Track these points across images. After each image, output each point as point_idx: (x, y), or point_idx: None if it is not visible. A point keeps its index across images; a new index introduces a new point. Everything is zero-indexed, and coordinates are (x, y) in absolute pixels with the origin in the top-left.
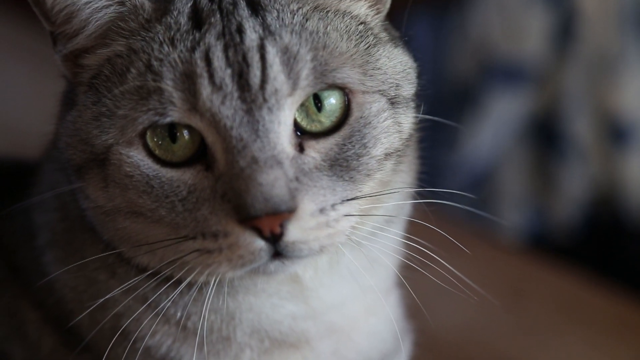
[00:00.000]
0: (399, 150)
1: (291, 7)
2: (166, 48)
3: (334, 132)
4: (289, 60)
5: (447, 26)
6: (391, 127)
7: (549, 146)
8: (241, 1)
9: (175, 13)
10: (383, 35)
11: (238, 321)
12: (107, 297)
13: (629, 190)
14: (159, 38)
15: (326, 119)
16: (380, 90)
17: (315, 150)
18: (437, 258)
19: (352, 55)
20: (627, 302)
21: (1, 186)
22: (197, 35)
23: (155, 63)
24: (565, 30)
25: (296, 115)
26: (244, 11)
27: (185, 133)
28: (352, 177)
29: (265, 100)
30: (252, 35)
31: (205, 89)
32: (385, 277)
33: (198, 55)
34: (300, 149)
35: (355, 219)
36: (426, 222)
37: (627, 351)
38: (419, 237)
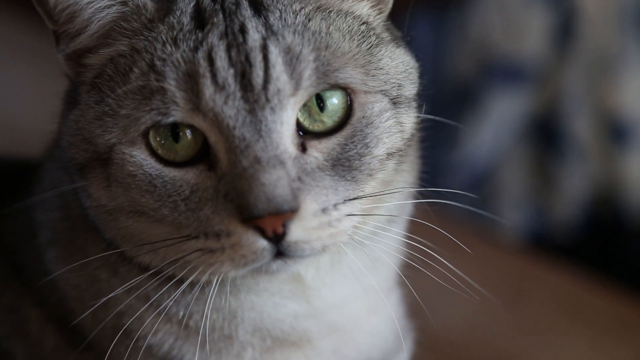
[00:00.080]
0: (401, 150)
1: (294, 7)
2: (169, 48)
3: (336, 132)
4: (292, 60)
5: (447, 26)
6: (393, 127)
7: (549, 145)
8: (244, 1)
9: (178, 13)
10: (385, 35)
11: (240, 320)
12: (109, 296)
13: (629, 190)
14: (161, 38)
15: (328, 119)
16: (382, 91)
17: (318, 150)
18: (439, 257)
19: (354, 55)
20: (627, 301)
21: (3, 185)
22: (200, 35)
23: (158, 63)
24: (566, 29)
25: (299, 115)
26: (246, 11)
27: (188, 133)
28: (354, 177)
29: (267, 100)
30: (254, 36)
31: (208, 89)
32: (386, 276)
33: (201, 55)
34: (303, 148)
35: (357, 218)
36: (428, 222)
37: (627, 351)
38: (420, 236)
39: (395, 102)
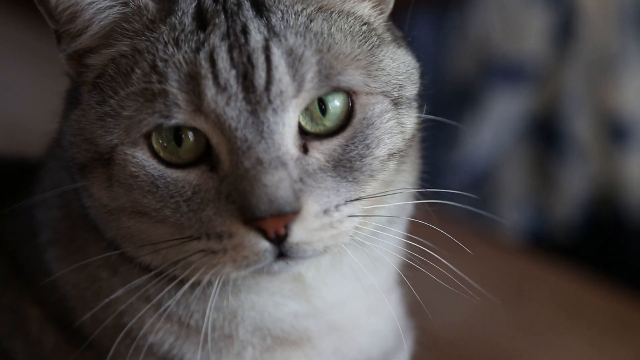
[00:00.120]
0: (402, 151)
1: (295, 8)
2: (171, 49)
3: (338, 133)
4: (294, 62)
5: (447, 26)
6: (394, 128)
7: (549, 145)
8: (245, 2)
9: (179, 14)
10: (386, 35)
11: (240, 319)
12: (110, 297)
13: (629, 189)
14: (163, 39)
15: (330, 121)
16: (383, 92)
17: (319, 152)
18: (439, 258)
19: (356, 56)
20: (627, 301)
21: (4, 184)
22: (202, 36)
23: (160, 64)
24: (565, 29)
25: (300, 119)
26: (248, 12)
27: (190, 135)
28: (355, 178)
29: (270, 101)
30: (256, 37)
31: (209, 90)
32: (387, 276)
33: (202, 56)
34: (304, 150)
35: (358, 219)
36: (428, 222)
37: (627, 350)
38: (420, 236)
39: (396, 103)
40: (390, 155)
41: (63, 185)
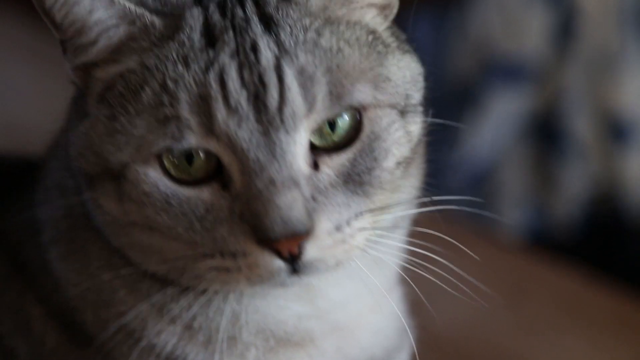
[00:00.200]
0: (409, 158)
1: (303, 22)
2: (180, 68)
3: (346, 147)
4: (306, 82)
5: (448, 25)
6: (402, 138)
7: (549, 144)
8: (254, 16)
9: (187, 30)
10: (391, 41)
11: (244, 322)
12: (126, 319)
13: (629, 189)
14: (172, 56)
15: (339, 136)
16: (391, 104)
17: (329, 167)
18: (441, 260)
19: (364, 70)
20: (628, 300)
21: (6, 183)
22: (211, 53)
23: (170, 83)
24: (566, 29)
25: (310, 136)
26: (257, 27)
27: (202, 154)
28: (365, 191)
29: (282, 122)
30: (267, 55)
31: (220, 113)
32: (389, 276)
33: (212, 76)
34: (315, 166)
35: (369, 232)
36: (430, 224)
37: (627, 350)
38: (422, 237)
39: (403, 112)
40: (398, 164)
41: (65, 185)
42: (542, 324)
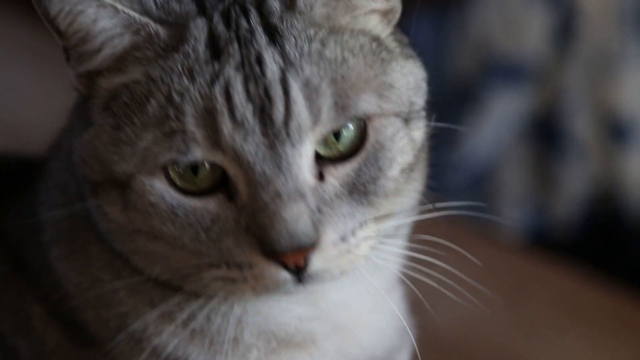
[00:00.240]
0: (412, 164)
1: (308, 32)
2: (185, 81)
3: (351, 156)
4: (311, 94)
5: (447, 25)
6: (406, 146)
7: (549, 144)
8: (258, 27)
9: (192, 41)
10: (394, 46)
11: (245, 324)
12: (135, 326)
13: (629, 188)
14: (177, 68)
15: (344, 145)
16: (395, 112)
17: (334, 177)
18: (442, 264)
19: (368, 78)
20: (628, 300)
21: (6, 183)
22: (216, 66)
23: (175, 96)
24: (566, 28)
25: (315, 147)
26: (261, 38)
27: (207, 165)
28: (370, 201)
29: (288, 135)
30: (272, 67)
31: (226, 126)
32: (389, 277)
33: (217, 90)
34: (320, 176)
35: (373, 241)
36: (431, 228)
37: (627, 350)
38: (422, 241)
39: (407, 119)
40: (402, 171)
41: (67, 184)
42: (542, 324)
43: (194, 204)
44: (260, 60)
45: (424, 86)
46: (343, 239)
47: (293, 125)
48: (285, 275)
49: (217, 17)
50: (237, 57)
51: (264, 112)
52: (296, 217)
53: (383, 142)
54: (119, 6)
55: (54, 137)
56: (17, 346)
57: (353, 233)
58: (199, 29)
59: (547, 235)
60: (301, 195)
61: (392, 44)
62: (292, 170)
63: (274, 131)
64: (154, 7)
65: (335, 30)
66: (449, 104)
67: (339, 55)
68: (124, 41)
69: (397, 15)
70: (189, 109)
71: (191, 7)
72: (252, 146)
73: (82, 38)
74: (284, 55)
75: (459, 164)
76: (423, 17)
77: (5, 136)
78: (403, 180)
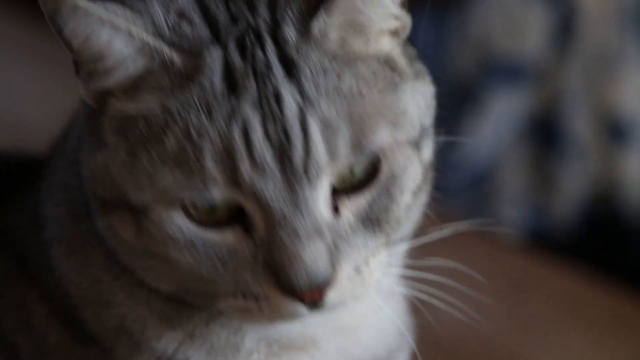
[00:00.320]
0: (421, 184)
1: (324, 64)
2: (203, 118)
3: (364, 187)
4: (329, 133)
5: (447, 25)
6: (417, 170)
7: (548, 144)
8: (274, 59)
9: (207, 72)
10: (405, 65)
11: (247, 331)
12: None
13: (628, 188)
14: (194, 102)
15: (357, 177)
16: (407, 139)
17: (349, 209)
18: (444, 281)
19: (382, 108)
20: (627, 299)
21: (8, 180)
22: (233, 101)
23: (194, 133)
24: (566, 28)
25: (331, 182)
26: (279, 72)
27: (225, 202)
28: (382, 229)
29: (306, 175)
30: (291, 105)
31: (245, 168)
32: (390, 280)
33: (236, 131)
34: (335, 209)
35: (385, 264)
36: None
37: (627, 350)
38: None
39: (417, 143)
40: (413, 194)
41: (70, 183)
42: (542, 323)
43: (212, 236)
44: (278, 97)
45: (433, 104)
46: (357, 270)
47: (311, 165)
48: (301, 308)
49: (232, 46)
50: (254, 93)
51: (282, 153)
52: (315, 257)
53: (395, 172)
54: (134, 30)
55: (56, 135)
56: (18, 344)
57: (366, 262)
58: (214, 60)
59: (546, 235)
60: (319, 233)
61: (403, 62)
62: (310, 208)
63: (293, 171)
64: (167, 29)
65: (349, 60)
66: (449, 103)
67: (354, 88)
68: (137, 66)
69: (408, 30)
70: (207, 149)
71: (204, 32)
72: (270, 187)
73: (94, 57)
74: (301, 91)
75: (458, 163)
76: (423, 17)
77: (6, 136)
78: (413, 201)
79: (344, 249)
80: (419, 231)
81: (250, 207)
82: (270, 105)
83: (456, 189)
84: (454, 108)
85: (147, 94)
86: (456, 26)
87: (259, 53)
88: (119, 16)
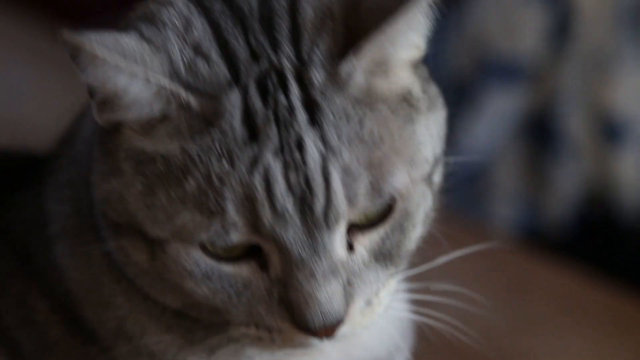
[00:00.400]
0: (431, 210)
1: (347, 110)
2: (225, 164)
3: (378, 223)
4: (349, 181)
5: (444, 23)
6: (428, 201)
7: (543, 143)
8: (298, 104)
9: (227, 117)
10: (419, 93)
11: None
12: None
13: (623, 188)
14: (216, 148)
15: (372, 216)
16: (422, 176)
17: (362, 245)
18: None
19: (399, 149)
20: (623, 299)
21: (10, 177)
22: (255, 148)
23: (215, 180)
24: (562, 28)
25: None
26: (302, 118)
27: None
28: (393, 262)
29: (326, 222)
30: (314, 154)
31: (266, 217)
32: (398, 305)
33: (257, 179)
34: (350, 246)
35: (393, 290)
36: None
37: (627, 350)
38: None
39: (430, 175)
40: (423, 224)
41: (76, 181)
42: (541, 323)
43: (228, 269)
44: (300, 145)
45: (445, 129)
46: (368, 303)
47: (332, 214)
48: (314, 341)
49: (252, 89)
50: (276, 140)
51: (303, 202)
52: (330, 297)
53: (409, 209)
54: (151, 75)
55: (61, 135)
56: (20, 339)
57: (377, 294)
58: (233, 105)
59: (540, 234)
60: (334, 273)
61: (418, 92)
62: (327, 251)
63: (313, 220)
64: (182, 68)
65: (371, 103)
66: (445, 101)
67: (375, 134)
68: (153, 110)
69: (421, 53)
70: (228, 195)
71: (223, 71)
72: (290, 234)
73: (110, 97)
74: (324, 139)
75: (452, 162)
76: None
77: (6, 136)
78: (423, 229)
79: (357, 285)
80: (428, 252)
81: (268, 248)
82: (292, 153)
83: (450, 187)
84: (449, 106)
85: (167, 137)
86: (453, 25)
87: (282, 98)
88: (137, 63)
